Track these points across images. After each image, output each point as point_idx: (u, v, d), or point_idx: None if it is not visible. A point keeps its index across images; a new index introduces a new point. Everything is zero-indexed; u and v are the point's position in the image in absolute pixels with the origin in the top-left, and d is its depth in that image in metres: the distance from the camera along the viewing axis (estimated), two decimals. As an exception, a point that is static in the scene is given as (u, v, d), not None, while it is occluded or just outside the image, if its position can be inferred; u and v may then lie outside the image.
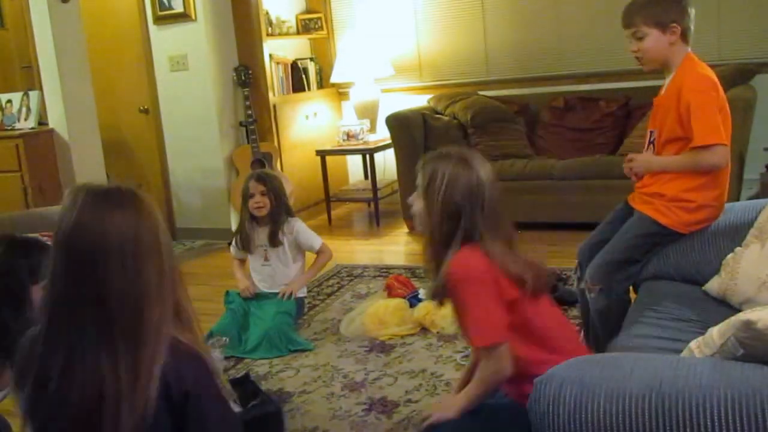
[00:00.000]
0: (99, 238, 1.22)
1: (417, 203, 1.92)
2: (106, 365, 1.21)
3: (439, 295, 1.89)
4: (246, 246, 3.50)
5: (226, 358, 3.19)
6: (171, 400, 1.23)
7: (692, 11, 2.40)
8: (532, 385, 1.38)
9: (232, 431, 1.37)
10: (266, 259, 3.49)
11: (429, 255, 1.91)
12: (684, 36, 2.38)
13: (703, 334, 1.54)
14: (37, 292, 1.91)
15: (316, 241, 3.52)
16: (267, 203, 3.40)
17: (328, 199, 5.58)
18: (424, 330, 3.27)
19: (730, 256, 2.20)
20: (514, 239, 1.89)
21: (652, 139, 2.49)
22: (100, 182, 1.34)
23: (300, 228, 3.49)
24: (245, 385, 2.55)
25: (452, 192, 1.80)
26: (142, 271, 1.23)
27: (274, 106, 5.44)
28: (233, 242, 3.60)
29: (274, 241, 3.43)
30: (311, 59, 5.97)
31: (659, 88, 2.55)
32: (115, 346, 1.21)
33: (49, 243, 2.00)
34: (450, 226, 1.83)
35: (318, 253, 3.54)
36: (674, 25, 2.35)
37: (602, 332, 2.43)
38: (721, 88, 2.37)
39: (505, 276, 1.78)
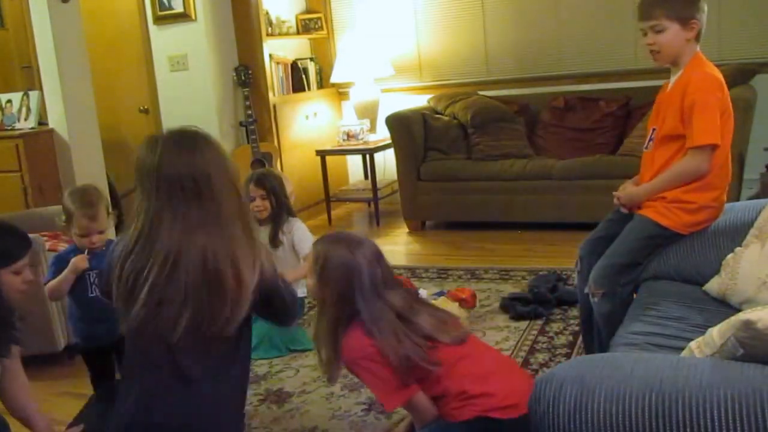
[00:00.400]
0: (189, 169, 1.59)
1: (310, 279, 1.97)
2: (221, 248, 1.56)
3: (333, 370, 1.97)
4: None
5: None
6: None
7: (706, 9, 2.38)
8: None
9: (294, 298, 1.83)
10: None
11: (319, 330, 1.96)
12: (698, 34, 2.36)
13: (703, 334, 1.54)
14: (6, 275, 1.93)
15: (308, 246, 3.45)
16: (267, 206, 3.38)
17: (328, 199, 5.58)
18: (424, 330, 3.27)
19: (730, 256, 2.20)
20: (413, 305, 1.94)
21: (652, 136, 2.49)
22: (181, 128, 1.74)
23: (297, 228, 3.46)
24: None
25: (335, 276, 1.87)
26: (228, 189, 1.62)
27: (274, 106, 5.44)
28: None
29: (274, 241, 3.42)
30: (311, 59, 5.97)
31: (660, 86, 2.55)
32: (223, 231, 1.58)
33: (20, 229, 2.03)
34: (336, 307, 1.88)
35: (305, 258, 3.45)
36: (694, 21, 2.33)
37: (606, 335, 2.43)
38: (726, 89, 2.37)
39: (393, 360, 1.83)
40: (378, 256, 1.94)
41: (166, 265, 1.56)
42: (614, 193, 2.56)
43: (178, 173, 1.59)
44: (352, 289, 1.85)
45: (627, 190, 2.53)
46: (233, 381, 1.72)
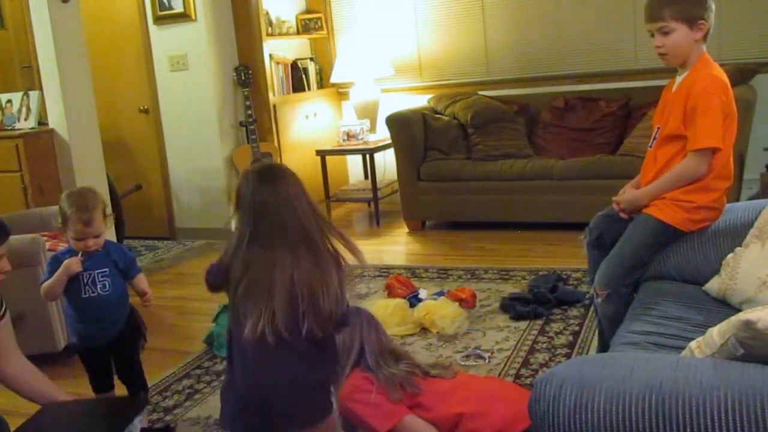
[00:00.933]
0: (274, 198, 1.78)
1: None
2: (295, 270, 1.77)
3: None
4: None
5: (224, 358, 3.19)
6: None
7: (714, 8, 2.36)
8: None
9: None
10: None
11: None
12: (706, 34, 2.35)
13: (703, 334, 1.54)
14: None
15: None
16: None
17: (328, 199, 5.58)
18: (424, 330, 3.27)
19: (730, 256, 2.20)
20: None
21: (656, 135, 2.48)
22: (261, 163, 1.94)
23: None
24: None
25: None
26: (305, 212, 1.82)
27: (274, 106, 5.44)
28: None
29: None
30: (311, 59, 5.97)
31: (662, 87, 2.54)
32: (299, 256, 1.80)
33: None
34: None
35: None
36: (702, 21, 2.31)
37: (609, 336, 2.43)
38: (731, 91, 2.35)
39: None
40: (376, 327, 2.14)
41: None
42: (613, 198, 2.55)
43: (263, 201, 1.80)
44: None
45: (627, 194, 2.52)
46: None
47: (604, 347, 2.53)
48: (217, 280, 1.91)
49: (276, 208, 1.79)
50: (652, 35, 2.39)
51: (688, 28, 2.31)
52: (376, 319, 2.25)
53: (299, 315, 1.73)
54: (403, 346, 3.14)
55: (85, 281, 2.40)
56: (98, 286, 2.41)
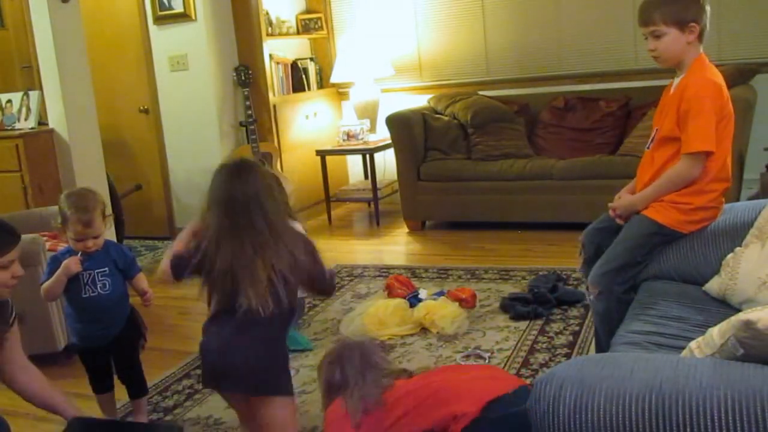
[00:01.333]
0: (242, 195, 1.97)
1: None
2: (258, 258, 1.93)
3: None
4: None
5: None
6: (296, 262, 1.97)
7: (708, 9, 2.36)
8: None
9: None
10: None
11: None
12: (700, 35, 2.35)
13: (703, 334, 1.54)
14: None
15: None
16: None
17: (328, 199, 5.58)
18: (424, 330, 3.27)
19: (730, 256, 2.20)
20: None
21: (654, 136, 2.49)
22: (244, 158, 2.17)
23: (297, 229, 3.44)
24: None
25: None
26: (270, 207, 1.99)
27: (274, 106, 5.44)
28: None
29: None
30: (311, 59, 5.97)
31: (662, 87, 2.54)
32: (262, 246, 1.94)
33: (8, 223, 2.08)
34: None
35: None
36: (693, 24, 2.31)
37: (603, 334, 2.43)
38: (726, 93, 2.35)
39: None
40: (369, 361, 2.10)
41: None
42: (609, 204, 2.56)
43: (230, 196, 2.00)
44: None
45: (623, 199, 2.52)
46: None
47: (598, 345, 2.54)
48: (186, 271, 2.03)
49: (246, 201, 1.98)
50: (647, 38, 2.40)
51: (680, 31, 2.32)
52: (372, 350, 2.16)
53: (277, 292, 1.93)
54: (403, 347, 3.15)
55: (85, 281, 2.40)
56: (98, 286, 2.42)
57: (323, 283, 2.11)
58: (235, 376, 1.98)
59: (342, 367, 2.08)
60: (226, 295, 1.97)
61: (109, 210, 2.50)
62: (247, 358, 1.96)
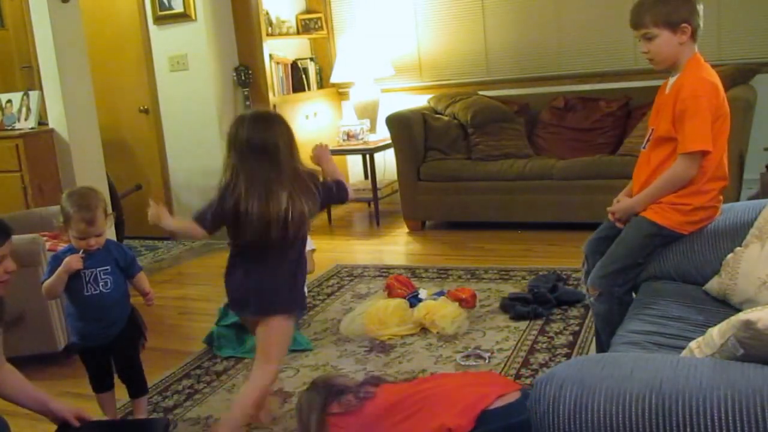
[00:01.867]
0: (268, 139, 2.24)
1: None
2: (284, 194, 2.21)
3: None
4: None
5: (226, 358, 3.19)
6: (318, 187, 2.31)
7: (701, 8, 2.35)
8: None
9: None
10: None
11: None
12: (694, 34, 2.34)
13: (703, 333, 1.54)
14: None
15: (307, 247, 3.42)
16: None
17: (328, 199, 5.57)
18: (424, 330, 3.27)
19: (730, 256, 2.20)
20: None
21: (650, 136, 2.49)
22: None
23: None
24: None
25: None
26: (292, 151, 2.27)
27: (274, 106, 5.44)
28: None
29: None
30: (311, 59, 5.97)
31: (660, 87, 2.54)
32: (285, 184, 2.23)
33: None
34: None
35: None
36: (685, 25, 2.31)
37: (604, 335, 2.43)
38: (722, 92, 2.35)
39: None
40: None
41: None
42: (608, 209, 2.56)
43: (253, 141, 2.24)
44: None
45: (621, 203, 2.52)
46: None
47: (599, 346, 2.54)
48: (215, 222, 2.30)
49: (266, 146, 2.22)
50: (640, 41, 2.40)
51: (671, 32, 2.31)
52: (322, 385, 2.32)
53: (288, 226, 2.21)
54: (403, 347, 3.15)
55: (87, 279, 2.41)
56: (100, 284, 2.42)
57: (336, 199, 2.45)
58: (256, 303, 2.31)
59: (299, 418, 2.29)
60: (254, 231, 2.21)
61: (109, 209, 2.52)
62: (269, 285, 2.29)
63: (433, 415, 1.96)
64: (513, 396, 2.03)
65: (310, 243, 3.45)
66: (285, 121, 2.32)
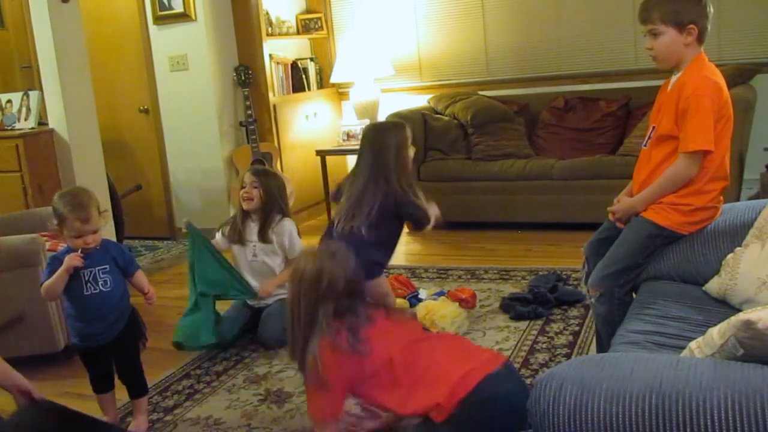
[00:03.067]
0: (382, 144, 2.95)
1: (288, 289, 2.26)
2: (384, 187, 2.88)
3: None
4: (234, 237, 3.47)
5: (226, 359, 3.18)
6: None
7: (711, 11, 2.34)
8: None
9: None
10: (255, 255, 3.45)
11: (292, 338, 2.15)
12: (700, 36, 2.32)
13: (703, 334, 1.54)
14: None
15: (297, 248, 3.41)
16: (255, 196, 3.37)
17: (328, 199, 5.58)
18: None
19: (730, 256, 2.20)
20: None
21: (651, 134, 2.48)
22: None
23: (287, 229, 3.43)
24: None
25: (305, 289, 2.10)
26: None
27: (274, 106, 5.44)
28: (220, 230, 3.57)
29: (263, 236, 3.39)
30: (311, 59, 5.97)
31: (663, 84, 2.54)
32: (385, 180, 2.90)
33: None
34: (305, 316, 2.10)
35: (292, 261, 3.35)
36: (692, 26, 2.29)
37: (605, 336, 2.43)
38: (726, 93, 2.34)
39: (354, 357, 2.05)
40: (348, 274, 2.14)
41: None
42: (609, 209, 2.55)
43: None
44: (317, 301, 2.07)
45: (622, 203, 2.52)
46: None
47: (600, 346, 2.54)
48: (336, 196, 3.00)
49: (380, 148, 2.90)
50: (645, 36, 2.39)
51: (678, 32, 2.30)
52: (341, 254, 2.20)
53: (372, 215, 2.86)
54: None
55: (87, 278, 2.41)
56: (100, 283, 2.42)
57: (415, 217, 3.12)
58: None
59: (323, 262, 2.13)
60: (340, 216, 2.82)
61: (102, 207, 2.51)
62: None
63: (431, 385, 1.99)
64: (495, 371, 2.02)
65: (298, 246, 3.44)
66: (400, 132, 3.04)
